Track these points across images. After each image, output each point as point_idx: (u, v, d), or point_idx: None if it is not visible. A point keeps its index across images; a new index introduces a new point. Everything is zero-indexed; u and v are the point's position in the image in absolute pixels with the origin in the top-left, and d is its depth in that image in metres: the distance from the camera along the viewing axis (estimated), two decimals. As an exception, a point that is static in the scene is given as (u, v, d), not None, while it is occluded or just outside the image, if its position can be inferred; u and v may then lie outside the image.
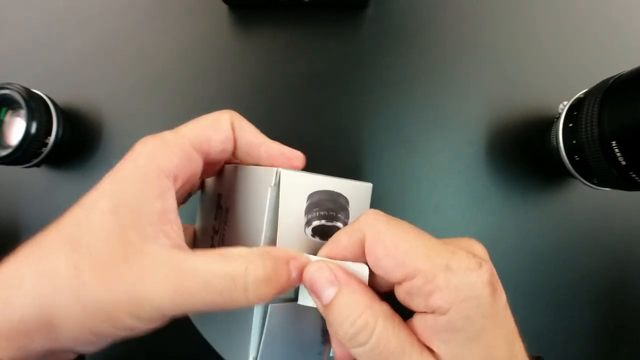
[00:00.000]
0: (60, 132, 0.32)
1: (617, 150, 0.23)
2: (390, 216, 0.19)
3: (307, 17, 0.35)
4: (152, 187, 0.18)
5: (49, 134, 0.31)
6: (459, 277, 0.17)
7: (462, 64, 0.34)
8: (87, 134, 0.35)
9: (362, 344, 0.17)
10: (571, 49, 0.34)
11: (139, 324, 0.17)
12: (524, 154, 0.33)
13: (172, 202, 0.19)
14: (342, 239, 0.19)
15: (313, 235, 0.21)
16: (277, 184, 0.20)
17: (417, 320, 0.18)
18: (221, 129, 0.21)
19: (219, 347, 0.23)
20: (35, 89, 0.32)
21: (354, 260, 0.19)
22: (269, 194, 0.20)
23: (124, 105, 0.35)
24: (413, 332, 0.18)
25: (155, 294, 0.16)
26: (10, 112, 0.31)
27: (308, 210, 0.21)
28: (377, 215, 0.19)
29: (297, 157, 0.24)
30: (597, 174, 0.26)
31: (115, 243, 0.17)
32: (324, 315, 0.19)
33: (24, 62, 0.36)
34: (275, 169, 0.20)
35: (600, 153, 0.24)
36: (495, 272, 0.18)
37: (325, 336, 0.23)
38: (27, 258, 0.18)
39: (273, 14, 0.35)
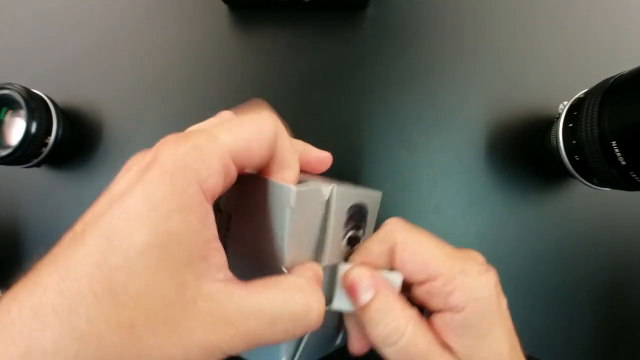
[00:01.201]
0: (60, 132, 0.32)
1: (617, 150, 0.23)
2: (411, 223, 0.22)
3: (307, 17, 0.35)
4: (196, 212, 0.14)
5: (49, 134, 0.31)
6: (472, 280, 0.20)
7: (462, 64, 0.34)
8: (87, 134, 0.35)
9: (394, 344, 0.19)
10: (571, 49, 0.34)
11: None
12: (524, 154, 0.33)
13: (215, 228, 0.16)
14: (374, 247, 0.22)
15: (347, 245, 0.22)
16: (327, 201, 0.20)
17: (435, 319, 0.20)
18: (266, 141, 0.17)
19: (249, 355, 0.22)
20: (35, 89, 0.32)
21: (382, 264, 0.21)
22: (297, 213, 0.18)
23: (124, 105, 0.35)
24: (434, 332, 0.20)
25: (224, 343, 0.14)
26: (10, 112, 0.31)
27: (347, 223, 0.22)
28: (401, 224, 0.22)
29: (328, 158, 0.23)
30: (597, 174, 0.26)
31: (169, 288, 0.14)
32: (360, 316, 0.21)
33: (24, 62, 0.36)
34: (322, 188, 0.19)
35: (600, 153, 0.24)
36: (498, 278, 0.21)
37: (337, 328, 0.24)
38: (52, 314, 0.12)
39: (273, 14, 0.35)
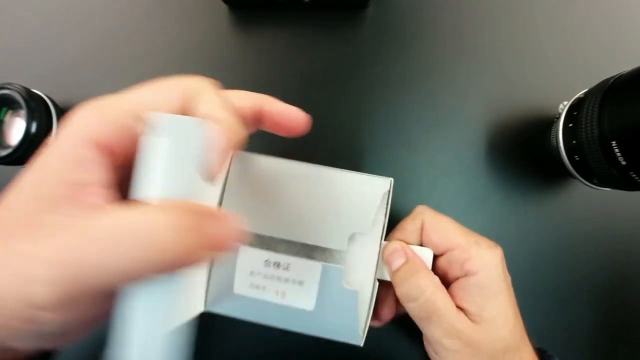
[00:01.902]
0: (60, 132, 0.32)
1: (617, 150, 0.23)
2: (433, 210, 0.27)
3: (307, 17, 0.35)
4: (72, 156, 0.16)
5: (49, 134, 0.31)
6: (484, 250, 0.25)
7: (462, 64, 0.34)
8: (87, 134, 0.35)
9: (416, 300, 0.24)
10: (571, 49, 0.34)
11: (37, 311, 0.14)
12: (524, 154, 0.33)
13: (97, 174, 0.16)
14: (407, 226, 0.27)
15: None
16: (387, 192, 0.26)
17: (453, 287, 0.25)
18: (169, 101, 0.18)
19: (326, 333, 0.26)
20: (35, 89, 0.32)
21: (414, 240, 0.27)
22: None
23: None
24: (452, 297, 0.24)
25: (44, 269, 0.14)
26: (10, 112, 0.31)
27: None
28: (428, 208, 0.27)
29: (298, 114, 0.23)
30: (597, 174, 0.26)
31: (17, 220, 0.15)
32: (392, 280, 0.25)
33: (24, 62, 0.36)
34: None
35: (600, 153, 0.24)
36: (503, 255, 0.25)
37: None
38: None
39: (273, 14, 0.35)
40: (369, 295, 0.25)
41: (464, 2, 0.35)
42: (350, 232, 0.25)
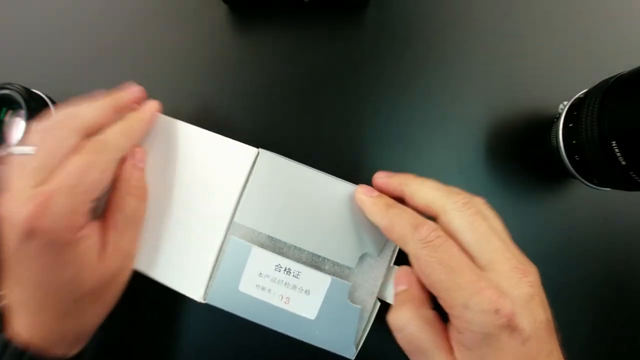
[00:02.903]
0: (60, 132, 0.32)
1: (617, 150, 0.23)
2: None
3: (307, 17, 0.35)
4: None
5: (49, 134, 0.31)
6: (472, 315, 0.21)
7: (462, 63, 0.34)
8: (87, 134, 0.35)
9: (400, 331, 0.23)
10: (571, 49, 0.34)
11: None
12: (524, 154, 0.33)
13: (81, 219, 0.23)
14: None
15: None
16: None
17: (449, 328, 0.23)
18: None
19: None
20: (35, 89, 0.32)
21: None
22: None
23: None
24: (445, 336, 0.23)
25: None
26: (10, 112, 0.31)
27: None
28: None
29: (134, 90, 0.28)
30: (597, 174, 0.26)
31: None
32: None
33: (24, 62, 0.36)
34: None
35: (600, 153, 0.24)
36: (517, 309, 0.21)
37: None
38: None
39: (273, 14, 0.35)
40: (369, 313, 0.27)
41: (464, 2, 0.35)
42: (363, 252, 0.26)
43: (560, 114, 0.29)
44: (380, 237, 0.26)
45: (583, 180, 0.29)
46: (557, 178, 0.33)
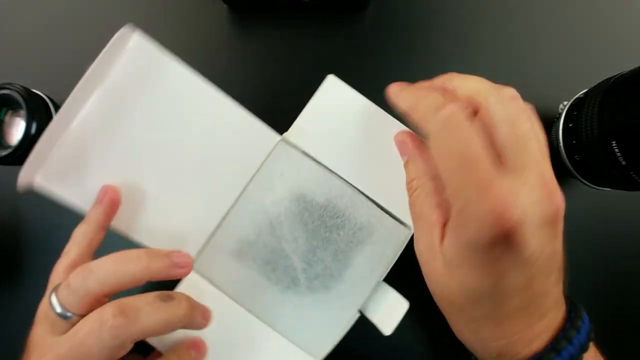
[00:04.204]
0: (60, 132, 0.32)
1: (617, 150, 0.23)
2: None
3: (307, 17, 0.35)
4: None
5: (49, 134, 0.31)
6: (466, 215, 0.19)
7: (462, 64, 0.34)
8: (87, 134, 0.35)
9: (410, 194, 0.23)
10: (571, 49, 0.34)
11: None
12: (524, 154, 0.33)
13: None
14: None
15: None
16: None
17: (449, 218, 0.21)
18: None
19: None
20: (35, 89, 0.32)
21: None
22: None
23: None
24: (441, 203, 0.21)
25: None
26: (10, 112, 0.31)
27: None
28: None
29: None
30: (597, 174, 0.26)
31: None
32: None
33: (24, 62, 0.36)
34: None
35: (600, 153, 0.24)
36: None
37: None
38: None
39: (273, 13, 0.35)
40: (349, 322, 0.27)
41: (464, 2, 0.35)
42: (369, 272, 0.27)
43: (560, 114, 0.29)
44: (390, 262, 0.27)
45: (583, 180, 0.29)
46: (557, 178, 0.33)
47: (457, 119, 0.19)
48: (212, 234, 0.27)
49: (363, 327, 0.27)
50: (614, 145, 0.23)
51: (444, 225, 0.21)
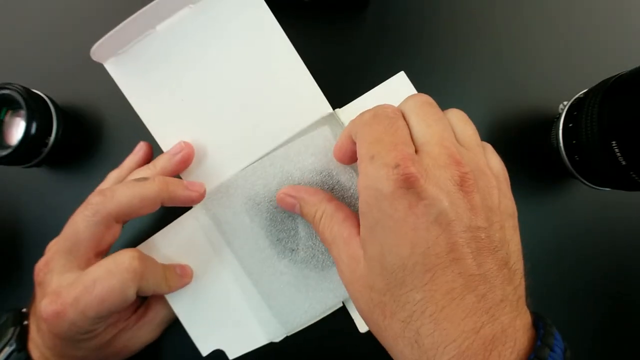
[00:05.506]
0: (60, 132, 0.32)
1: (617, 150, 0.23)
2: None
3: (307, 17, 0.35)
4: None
5: (49, 134, 0.31)
6: (372, 168, 0.20)
7: (462, 64, 0.34)
8: (87, 134, 0.35)
9: (318, 228, 0.24)
10: (571, 49, 0.34)
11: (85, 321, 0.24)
12: (524, 154, 0.33)
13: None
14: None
15: None
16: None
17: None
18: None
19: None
20: (35, 89, 0.32)
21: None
22: None
23: (124, 105, 0.35)
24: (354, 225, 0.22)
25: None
26: (10, 112, 0.31)
27: None
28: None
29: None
30: (597, 174, 0.26)
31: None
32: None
33: (24, 62, 0.36)
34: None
35: (600, 153, 0.24)
36: (424, 183, 0.19)
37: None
38: None
39: (273, 13, 0.35)
40: (330, 309, 0.27)
41: (464, 2, 0.35)
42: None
43: (560, 114, 0.29)
44: None
45: (583, 180, 0.29)
46: (557, 178, 0.33)
47: (387, 111, 0.22)
48: (235, 176, 0.28)
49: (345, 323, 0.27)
50: (614, 145, 0.23)
51: (358, 234, 0.22)
